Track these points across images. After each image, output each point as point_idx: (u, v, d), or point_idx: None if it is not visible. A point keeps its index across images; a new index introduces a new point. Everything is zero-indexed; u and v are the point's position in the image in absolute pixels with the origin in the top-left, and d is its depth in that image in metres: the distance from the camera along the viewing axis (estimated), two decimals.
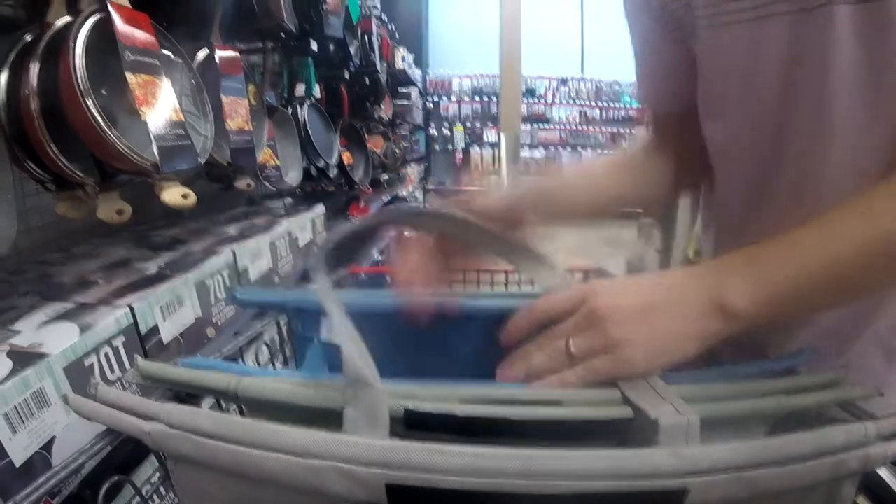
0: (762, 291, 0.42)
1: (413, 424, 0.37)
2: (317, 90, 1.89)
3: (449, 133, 7.33)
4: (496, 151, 6.56)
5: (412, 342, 0.53)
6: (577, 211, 0.67)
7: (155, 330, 0.72)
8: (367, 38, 2.49)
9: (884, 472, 0.39)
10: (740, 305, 0.41)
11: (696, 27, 0.56)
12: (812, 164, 0.53)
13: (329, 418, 0.38)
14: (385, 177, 3.21)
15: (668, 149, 0.69)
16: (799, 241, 0.43)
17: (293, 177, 1.65)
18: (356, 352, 0.37)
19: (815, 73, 0.49)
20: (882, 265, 0.41)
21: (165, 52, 0.87)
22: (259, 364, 0.59)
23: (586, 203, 0.67)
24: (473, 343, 0.54)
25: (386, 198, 3.39)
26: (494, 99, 6.98)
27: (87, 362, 0.60)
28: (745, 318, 0.41)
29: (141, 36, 0.77)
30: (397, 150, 3.54)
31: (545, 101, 7.22)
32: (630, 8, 0.65)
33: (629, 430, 0.39)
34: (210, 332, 0.87)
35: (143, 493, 0.65)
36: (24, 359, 0.55)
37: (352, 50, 2.20)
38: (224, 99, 1.09)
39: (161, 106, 0.78)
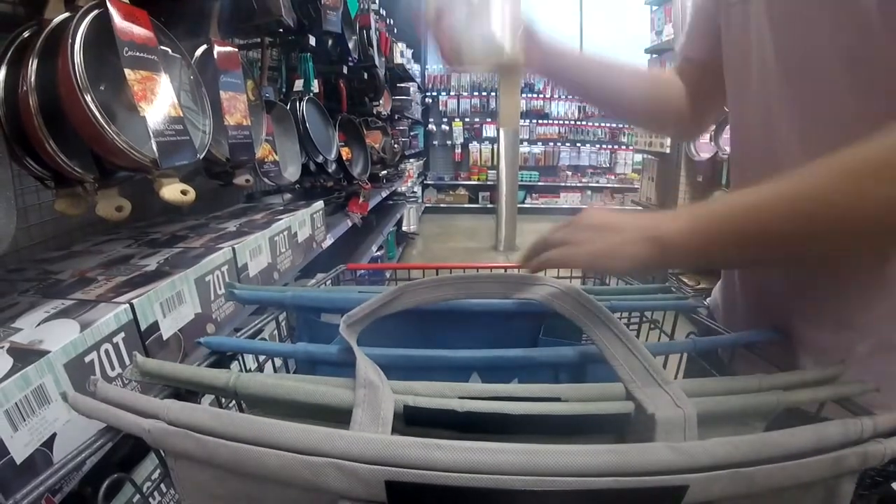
0: (688, 224, 0.50)
1: (414, 421, 0.37)
2: (315, 85, 1.88)
3: (448, 128, 7.31)
4: (495, 147, 6.54)
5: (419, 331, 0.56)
6: (569, 78, 0.76)
7: (155, 326, 0.73)
8: (365, 33, 2.48)
9: None
10: (668, 234, 0.50)
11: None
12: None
13: (331, 415, 0.38)
14: (384, 172, 3.21)
15: (685, 87, 0.78)
16: (738, 193, 0.49)
17: (292, 172, 1.64)
18: (368, 363, 0.39)
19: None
20: (804, 220, 0.44)
21: (164, 47, 0.87)
22: (258, 360, 0.59)
23: (596, 81, 0.77)
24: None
25: (384, 193, 3.39)
26: (493, 94, 6.97)
27: (87, 359, 0.61)
28: (672, 244, 0.49)
29: (139, 32, 0.77)
30: (396, 146, 3.54)
31: (544, 96, 7.21)
32: None
33: (629, 424, 0.39)
34: (210, 328, 0.87)
35: (144, 490, 0.65)
36: (24, 356, 0.55)
37: (350, 45, 2.20)
38: (222, 94, 1.09)
39: (159, 102, 0.78)
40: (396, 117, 4.37)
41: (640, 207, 4.21)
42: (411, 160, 5.53)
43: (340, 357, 0.49)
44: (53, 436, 0.54)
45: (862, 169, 0.42)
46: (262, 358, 0.59)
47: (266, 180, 1.50)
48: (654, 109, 0.80)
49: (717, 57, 0.70)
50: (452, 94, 7.23)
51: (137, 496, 0.63)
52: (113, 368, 0.64)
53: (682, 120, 0.80)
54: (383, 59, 3.11)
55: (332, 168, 1.92)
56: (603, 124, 7.31)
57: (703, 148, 3.31)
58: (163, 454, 0.37)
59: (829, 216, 0.44)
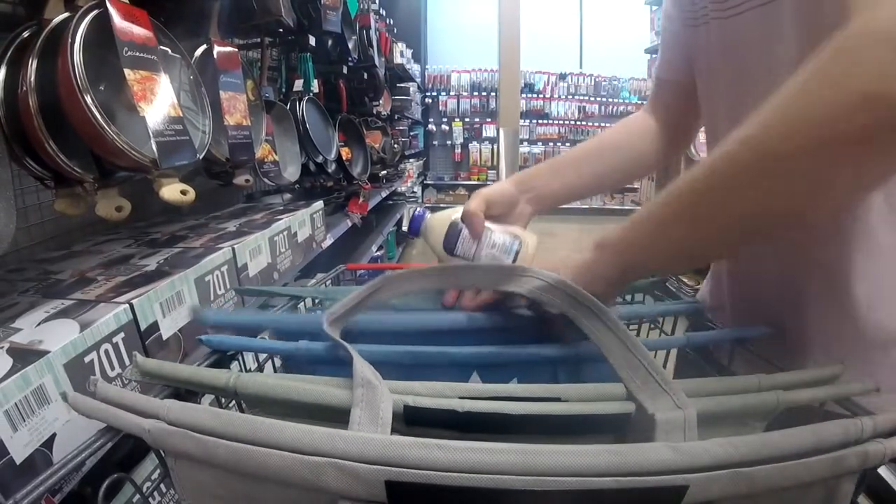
0: (627, 225, 0.50)
1: (414, 420, 0.37)
2: (315, 85, 1.88)
3: (447, 128, 7.31)
4: (495, 147, 6.54)
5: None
6: (571, 196, 0.77)
7: (154, 326, 0.72)
8: (365, 33, 2.48)
9: (885, 473, 0.39)
10: (608, 236, 0.51)
11: (707, 15, 0.63)
12: None
13: (330, 415, 0.38)
14: (384, 172, 3.21)
15: (662, 114, 0.79)
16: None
17: (292, 172, 1.64)
18: (364, 362, 0.38)
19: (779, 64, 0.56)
20: (738, 182, 0.41)
21: (163, 47, 0.87)
22: (258, 360, 0.59)
23: (578, 188, 0.77)
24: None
25: (384, 193, 3.39)
26: (493, 94, 6.97)
27: (87, 359, 0.60)
28: (612, 245, 0.50)
29: (139, 32, 0.77)
30: (396, 146, 3.54)
31: (544, 96, 7.20)
32: None
33: (629, 424, 0.39)
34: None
35: (144, 490, 0.65)
36: (24, 356, 0.55)
37: (350, 45, 2.20)
38: (222, 94, 1.09)
39: (159, 102, 0.78)
40: (396, 117, 4.37)
41: (639, 206, 4.22)
42: (411, 160, 5.53)
43: (337, 355, 0.48)
44: (53, 436, 0.54)
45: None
46: (262, 358, 0.59)
47: (266, 180, 1.50)
48: (641, 167, 0.82)
49: (689, 76, 0.70)
50: (452, 94, 7.22)
51: (137, 496, 0.63)
52: (113, 368, 0.64)
53: (669, 153, 0.80)
54: (383, 59, 3.11)
55: (331, 168, 1.92)
56: (602, 125, 7.31)
57: (703, 148, 3.31)
58: (163, 454, 0.37)
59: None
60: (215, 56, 1.10)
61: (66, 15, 0.73)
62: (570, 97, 7.23)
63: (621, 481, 0.29)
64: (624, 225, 0.50)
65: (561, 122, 7.28)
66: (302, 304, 0.76)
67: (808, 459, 0.31)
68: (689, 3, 0.66)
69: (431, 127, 7.31)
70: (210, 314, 0.58)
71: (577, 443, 0.39)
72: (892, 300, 0.55)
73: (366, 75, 2.70)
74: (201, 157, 0.91)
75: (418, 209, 0.68)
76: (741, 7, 0.56)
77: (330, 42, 1.98)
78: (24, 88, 0.68)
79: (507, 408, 0.37)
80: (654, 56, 4.01)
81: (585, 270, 0.50)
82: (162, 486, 0.64)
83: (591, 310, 0.42)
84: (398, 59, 3.91)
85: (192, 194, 0.82)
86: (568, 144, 7.31)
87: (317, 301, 0.77)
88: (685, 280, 3.46)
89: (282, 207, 1.46)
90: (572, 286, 0.43)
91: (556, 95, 7.21)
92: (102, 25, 0.72)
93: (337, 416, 0.37)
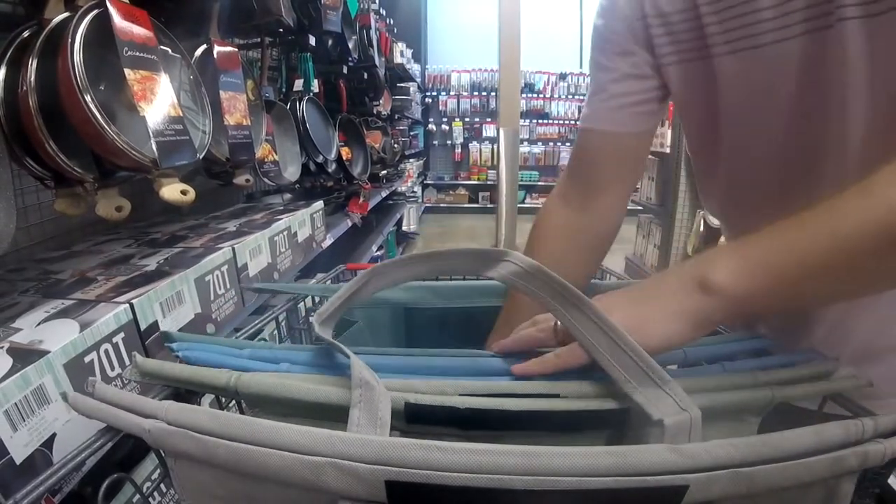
0: (745, 264, 0.41)
1: (414, 418, 0.37)
2: (315, 85, 1.88)
3: (448, 128, 7.31)
4: (495, 147, 6.54)
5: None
6: None
7: (155, 326, 0.72)
8: (365, 33, 2.48)
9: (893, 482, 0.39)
10: (720, 278, 0.41)
11: (710, 49, 0.57)
12: (826, 176, 0.54)
13: (331, 413, 0.38)
14: (384, 172, 3.21)
15: (589, 188, 0.72)
16: (794, 221, 0.40)
17: (292, 172, 1.64)
18: (360, 363, 0.38)
19: (831, 87, 0.50)
20: (886, 241, 0.36)
21: (163, 47, 0.87)
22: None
23: None
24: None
25: (384, 193, 3.39)
26: (493, 94, 6.97)
27: (87, 359, 0.60)
28: (726, 290, 0.41)
29: (139, 31, 0.77)
30: (396, 146, 3.54)
31: (544, 96, 7.20)
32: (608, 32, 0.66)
33: (627, 420, 0.39)
34: (210, 328, 0.87)
35: (144, 490, 0.65)
36: (24, 356, 0.55)
37: (350, 45, 2.20)
38: (222, 94, 1.09)
39: (159, 101, 0.78)
40: (396, 117, 4.37)
41: (640, 207, 4.21)
42: (411, 160, 5.53)
43: (329, 361, 0.46)
44: (53, 436, 0.54)
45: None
46: None
47: (266, 180, 1.50)
48: (589, 258, 0.74)
49: (652, 123, 0.67)
50: (452, 93, 7.23)
51: (137, 496, 0.63)
52: (113, 368, 0.64)
53: (602, 243, 0.74)
54: (383, 59, 3.11)
55: (332, 168, 1.92)
56: None
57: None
58: (163, 454, 0.37)
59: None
60: (215, 56, 1.10)
61: (66, 15, 0.73)
62: (570, 97, 7.23)
63: (621, 481, 0.29)
64: (737, 264, 0.41)
65: (561, 121, 7.29)
66: (302, 303, 0.76)
67: (808, 459, 0.31)
68: (665, 41, 0.61)
69: (431, 127, 7.31)
70: (178, 345, 0.49)
71: (577, 439, 0.39)
72: None
73: (366, 75, 2.70)
74: (201, 157, 0.91)
75: None
76: (768, 37, 0.52)
77: (330, 42, 1.98)
78: (25, 88, 0.68)
79: (507, 405, 0.37)
80: None
81: (696, 318, 0.42)
82: (162, 486, 0.64)
83: (569, 300, 0.39)
84: (398, 59, 3.91)
85: (192, 194, 0.82)
86: (568, 144, 7.30)
87: (317, 300, 0.77)
88: None
89: (282, 207, 1.46)
90: (550, 274, 0.40)
91: (556, 95, 7.22)
92: (102, 25, 0.72)
93: (337, 415, 0.37)
